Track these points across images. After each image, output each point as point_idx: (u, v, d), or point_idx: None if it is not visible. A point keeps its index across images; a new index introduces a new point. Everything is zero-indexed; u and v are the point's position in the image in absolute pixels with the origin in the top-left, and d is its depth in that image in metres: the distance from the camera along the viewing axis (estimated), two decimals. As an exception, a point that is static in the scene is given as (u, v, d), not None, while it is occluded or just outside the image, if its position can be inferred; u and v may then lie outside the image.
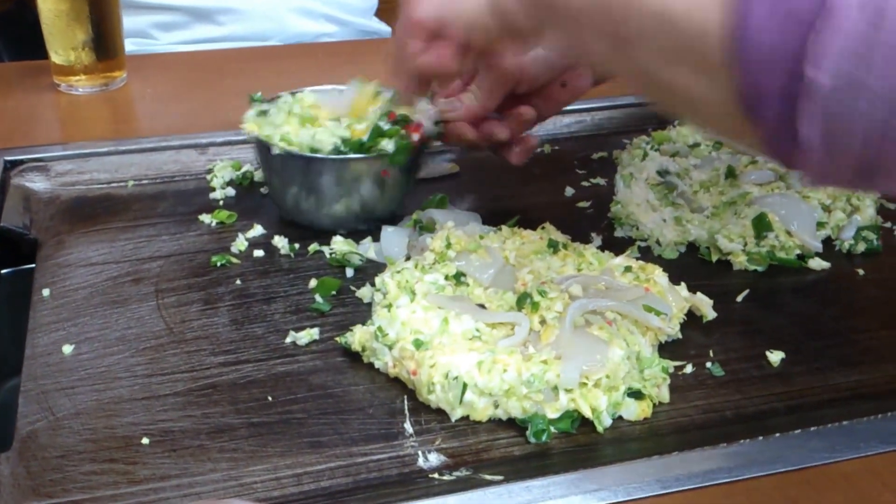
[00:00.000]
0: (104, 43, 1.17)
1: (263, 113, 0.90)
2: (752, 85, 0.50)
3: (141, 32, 1.44)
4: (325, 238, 0.88)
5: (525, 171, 0.99)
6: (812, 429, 0.65)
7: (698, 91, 0.55)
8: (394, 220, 0.90)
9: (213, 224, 0.92)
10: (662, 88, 0.58)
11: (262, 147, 0.87)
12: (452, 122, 0.87)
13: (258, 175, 1.00)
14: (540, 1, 0.63)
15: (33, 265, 0.88)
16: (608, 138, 1.11)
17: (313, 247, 0.87)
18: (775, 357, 0.74)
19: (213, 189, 0.98)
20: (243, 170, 1.00)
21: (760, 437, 0.64)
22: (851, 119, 0.47)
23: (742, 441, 0.64)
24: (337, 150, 0.85)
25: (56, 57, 1.17)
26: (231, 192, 0.98)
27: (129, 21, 1.36)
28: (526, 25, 0.66)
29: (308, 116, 0.89)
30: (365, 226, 0.89)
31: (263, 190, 0.98)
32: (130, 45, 1.37)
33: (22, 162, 1.01)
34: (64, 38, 1.16)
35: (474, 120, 0.88)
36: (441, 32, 0.75)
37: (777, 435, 0.64)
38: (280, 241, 0.88)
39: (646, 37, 0.56)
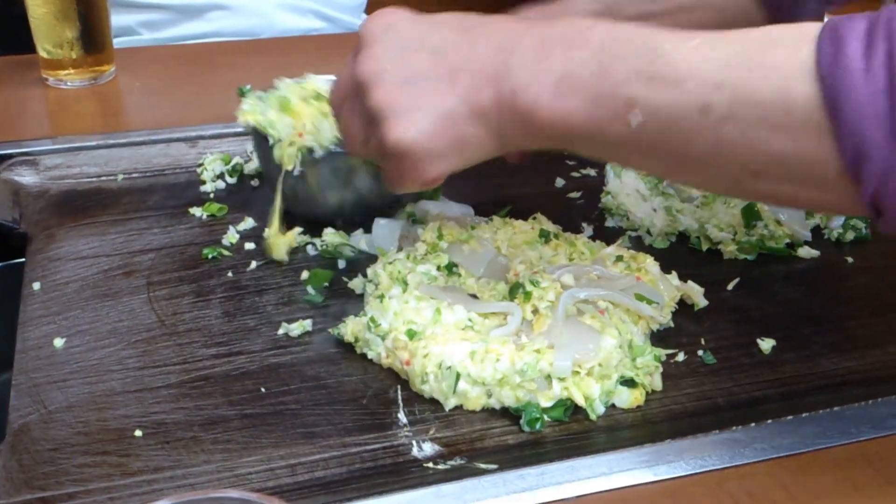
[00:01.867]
0: (92, 37, 1.17)
1: (261, 99, 0.90)
2: (880, 195, 0.52)
3: (129, 31, 1.44)
4: (316, 230, 0.88)
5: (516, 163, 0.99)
6: (804, 415, 0.65)
7: (805, 196, 0.56)
8: (391, 210, 0.89)
9: (204, 217, 0.92)
10: (749, 194, 0.62)
11: (259, 137, 0.87)
12: None
13: (248, 168, 1.00)
14: (564, 138, 0.61)
15: (23, 259, 0.88)
16: (598, 129, 1.11)
17: (303, 239, 0.87)
18: (766, 344, 0.74)
19: (204, 182, 0.98)
20: (233, 162, 1.00)
21: (752, 424, 0.64)
22: None
23: (734, 428, 0.64)
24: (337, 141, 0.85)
25: (44, 52, 1.17)
26: (221, 184, 0.98)
27: (117, 19, 1.36)
28: (551, 148, 0.65)
29: (309, 103, 0.89)
30: (360, 217, 0.89)
31: (254, 183, 0.98)
32: (118, 44, 1.36)
33: (11, 156, 1.01)
34: (52, 34, 1.15)
35: None
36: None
37: (769, 421, 0.64)
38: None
39: (719, 160, 0.56)
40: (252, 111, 0.88)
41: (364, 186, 0.87)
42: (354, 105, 0.68)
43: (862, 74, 0.50)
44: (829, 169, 0.53)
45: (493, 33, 0.63)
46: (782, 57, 0.53)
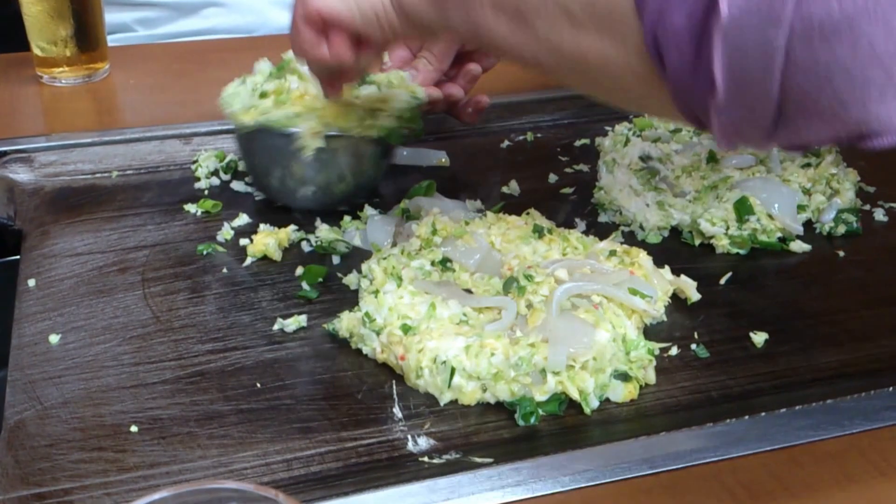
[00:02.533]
0: (86, 35, 1.17)
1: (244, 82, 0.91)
2: (656, 33, 0.50)
3: (124, 27, 1.43)
4: (310, 227, 0.88)
5: (510, 159, 0.99)
6: (797, 408, 0.65)
7: (605, 51, 0.55)
8: (375, 200, 0.90)
9: (199, 213, 0.92)
10: (568, 58, 0.58)
11: (238, 127, 0.88)
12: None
13: (242, 164, 1.00)
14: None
15: (16, 257, 0.88)
16: (590, 126, 1.11)
17: (298, 235, 0.87)
18: (759, 338, 0.75)
19: (198, 179, 0.98)
20: (227, 159, 1.00)
21: (746, 417, 0.65)
22: (758, 49, 0.47)
23: (728, 420, 0.64)
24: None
25: (38, 49, 1.17)
26: (216, 181, 0.98)
27: (113, 16, 1.36)
28: (429, 17, 0.66)
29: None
30: (343, 206, 0.89)
31: (248, 179, 0.98)
32: (113, 41, 1.36)
33: (5, 153, 1.01)
34: (46, 32, 1.15)
35: (431, 83, 0.91)
36: (336, 25, 0.73)
37: (763, 414, 0.65)
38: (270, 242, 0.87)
39: (547, 4, 0.56)
40: (243, 109, 0.88)
41: (347, 166, 0.88)
42: None
43: None
44: (626, 7, 0.52)
45: None
46: None
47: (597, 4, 0.54)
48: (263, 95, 0.87)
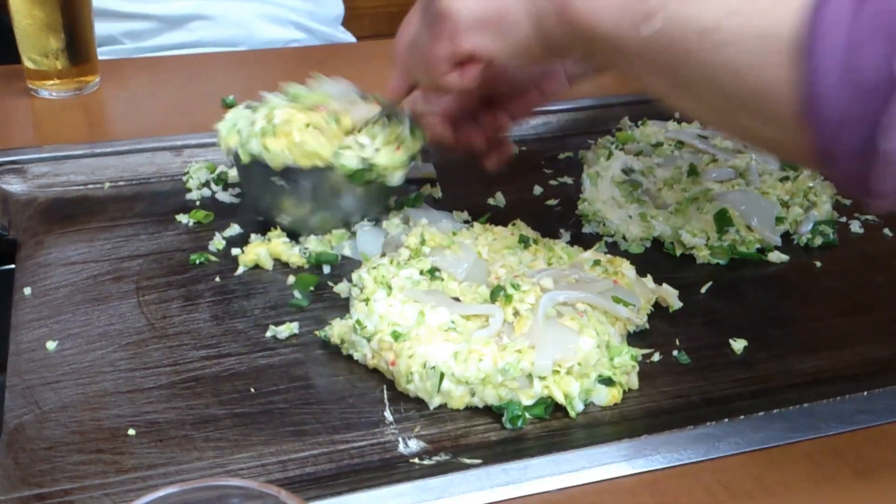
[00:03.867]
0: (78, 48, 1.18)
1: (252, 108, 0.91)
2: (827, 145, 0.54)
3: (111, 40, 1.45)
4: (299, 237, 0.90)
5: (495, 172, 1.01)
6: (774, 411, 0.68)
7: (768, 135, 0.59)
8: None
9: (191, 224, 0.94)
10: (726, 127, 0.63)
11: (236, 157, 0.89)
12: (429, 119, 0.89)
13: (232, 176, 1.02)
14: (585, 35, 0.65)
15: (11, 266, 0.89)
16: (574, 139, 1.13)
17: (294, 256, 0.88)
18: (738, 345, 0.77)
19: (190, 190, 1.00)
20: (218, 171, 1.02)
21: (725, 420, 0.67)
22: None
23: (708, 423, 0.67)
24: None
25: (30, 62, 1.18)
26: (207, 192, 1.00)
27: (100, 28, 1.37)
28: (573, 51, 0.69)
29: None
30: (334, 229, 0.91)
31: (239, 190, 1.00)
32: (101, 53, 1.37)
33: (-2, 165, 1.02)
34: (38, 44, 1.17)
35: (451, 119, 0.90)
36: (481, 61, 0.75)
37: (741, 417, 0.67)
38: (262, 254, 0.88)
39: (710, 85, 0.59)
40: (231, 134, 0.89)
41: (348, 203, 0.89)
42: (422, 18, 0.76)
43: (837, 26, 0.52)
44: (791, 110, 0.55)
45: None
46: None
47: (760, 101, 0.57)
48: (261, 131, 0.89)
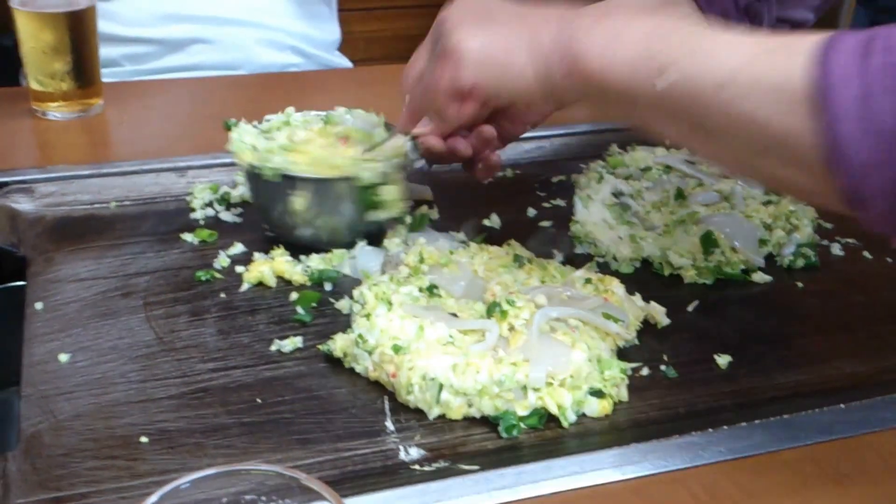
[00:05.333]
0: (83, 71, 1.22)
1: (269, 132, 0.97)
2: (857, 188, 0.57)
3: (112, 62, 1.48)
4: (304, 253, 0.93)
5: (491, 194, 1.05)
6: (756, 422, 0.71)
7: (792, 180, 0.62)
8: (380, 233, 0.95)
9: (196, 242, 0.97)
10: (749, 172, 0.65)
11: (249, 169, 0.93)
12: (423, 135, 0.92)
13: (235, 196, 1.05)
14: (600, 90, 0.69)
15: (22, 282, 0.92)
16: (566, 163, 1.17)
17: (297, 274, 0.91)
18: (723, 360, 0.81)
19: (194, 210, 1.03)
20: (221, 191, 1.05)
21: (710, 430, 0.71)
22: None
23: (693, 433, 0.70)
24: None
25: (36, 84, 1.21)
26: (211, 212, 1.03)
27: (102, 51, 1.40)
28: (578, 101, 0.72)
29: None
30: (345, 242, 0.94)
31: (241, 210, 1.03)
32: (102, 75, 1.41)
33: (6, 184, 1.05)
34: (44, 67, 1.20)
35: (442, 134, 0.93)
36: (480, 97, 0.79)
37: (725, 427, 0.71)
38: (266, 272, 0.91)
39: (731, 133, 0.62)
40: (242, 149, 0.94)
41: (349, 214, 0.93)
42: (431, 52, 0.80)
43: (848, 78, 0.56)
44: (815, 156, 0.58)
45: (563, 8, 0.74)
46: (796, 51, 0.59)
47: (781, 149, 0.60)
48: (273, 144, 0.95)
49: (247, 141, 0.95)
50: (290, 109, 1.02)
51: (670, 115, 0.66)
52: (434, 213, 1.03)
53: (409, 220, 0.97)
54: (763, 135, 0.61)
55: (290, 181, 0.91)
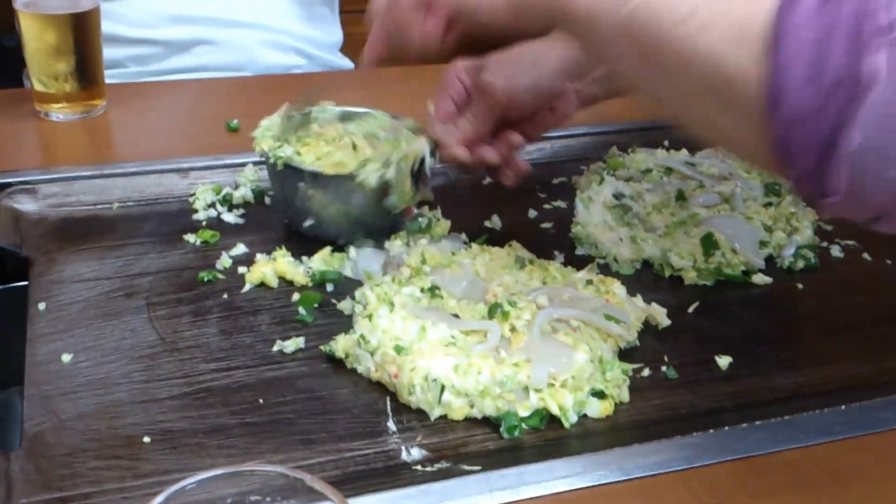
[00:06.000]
0: (86, 72, 1.22)
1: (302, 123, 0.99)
2: (787, 139, 0.55)
3: (117, 64, 1.48)
4: (307, 253, 0.94)
5: (492, 195, 1.06)
6: (757, 423, 0.72)
7: (730, 127, 0.60)
8: (388, 230, 0.96)
9: (198, 243, 0.97)
10: (691, 116, 0.63)
11: (268, 160, 0.95)
12: (448, 145, 0.94)
13: (237, 197, 1.05)
14: (565, 14, 0.67)
15: (25, 283, 0.92)
16: (566, 165, 1.17)
17: (298, 275, 0.91)
18: (724, 361, 0.81)
19: (196, 211, 1.03)
20: (223, 192, 1.06)
21: (711, 430, 0.71)
22: (875, 182, 0.54)
23: (694, 434, 0.70)
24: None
25: (39, 85, 1.22)
26: (213, 213, 1.03)
27: (107, 53, 1.41)
28: (536, 25, 0.71)
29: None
30: (358, 237, 0.95)
31: (243, 210, 1.03)
32: (106, 77, 1.41)
33: (9, 185, 1.06)
34: (48, 68, 1.20)
35: (466, 143, 0.94)
36: (435, 3, 0.78)
37: (726, 428, 0.71)
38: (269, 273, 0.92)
39: (682, 68, 0.60)
40: (265, 138, 0.96)
41: (355, 210, 0.94)
42: None
43: (810, 21, 0.54)
44: (758, 100, 0.56)
45: None
46: None
47: (726, 89, 0.58)
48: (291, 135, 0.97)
49: (270, 129, 0.97)
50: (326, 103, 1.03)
51: (628, 45, 0.64)
52: (437, 215, 1.03)
53: (423, 224, 0.98)
54: (713, 72, 0.58)
55: (297, 172, 0.92)
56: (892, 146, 0.52)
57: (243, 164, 1.09)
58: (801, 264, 0.97)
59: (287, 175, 0.94)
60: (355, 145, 0.96)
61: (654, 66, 0.63)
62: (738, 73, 0.57)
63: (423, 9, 0.80)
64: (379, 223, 0.95)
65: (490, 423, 0.73)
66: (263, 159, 0.96)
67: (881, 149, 0.52)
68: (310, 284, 0.91)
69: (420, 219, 0.98)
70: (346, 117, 1.01)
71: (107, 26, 1.27)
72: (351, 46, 1.77)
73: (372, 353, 0.76)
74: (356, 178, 0.91)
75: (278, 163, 0.93)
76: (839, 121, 0.52)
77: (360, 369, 0.78)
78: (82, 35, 1.20)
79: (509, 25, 0.74)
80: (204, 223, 1.02)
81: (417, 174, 0.94)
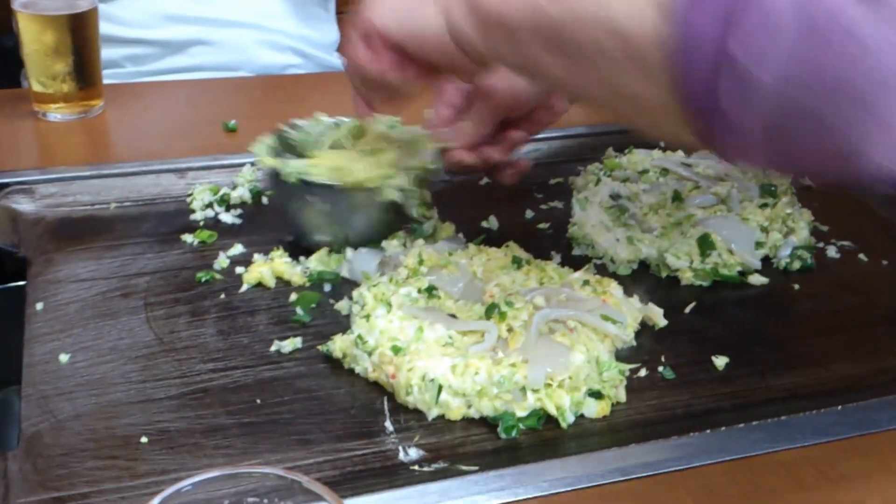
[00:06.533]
0: (84, 72, 1.22)
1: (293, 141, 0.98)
2: (683, 71, 0.55)
3: (113, 64, 1.49)
4: (303, 254, 0.94)
5: (489, 196, 1.06)
6: (753, 423, 0.72)
7: (645, 93, 0.59)
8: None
9: (195, 243, 0.97)
10: (615, 97, 0.63)
11: (275, 176, 0.93)
12: (451, 149, 0.94)
13: (234, 197, 1.05)
14: (490, 24, 0.68)
15: (23, 282, 0.92)
16: (563, 165, 1.17)
17: (296, 275, 0.92)
18: (720, 361, 0.81)
19: (194, 211, 1.03)
20: (221, 193, 1.06)
21: (708, 431, 0.71)
22: (757, 89, 0.53)
23: (691, 434, 0.71)
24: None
25: (37, 85, 1.22)
26: (210, 213, 1.03)
27: (103, 52, 1.41)
28: (481, 50, 0.70)
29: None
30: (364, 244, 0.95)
31: (240, 211, 1.03)
32: (103, 77, 1.41)
33: (7, 185, 1.06)
34: (46, 69, 1.20)
35: (470, 146, 0.95)
36: (393, 44, 0.77)
37: (722, 428, 0.71)
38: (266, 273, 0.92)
39: (593, 48, 0.60)
40: (264, 154, 0.95)
41: (364, 223, 0.94)
42: None
43: None
44: (663, 49, 0.56)
45: None
46: None
47: (634, 50, 0.58)
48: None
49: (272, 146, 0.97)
50: (319, 114, 1.02)
51: (551, 41, 0.63)
52: (434, 215, 1.03)
53: (428, 231, 0.98)
54: (621, 38, 0.58)
55: (305, 186, 0.91)
56: (769, 52, 0.52)
57: (241, 165, 1.10)
58: (797, 265, 0.97)
59: (296, 190, 0.92)
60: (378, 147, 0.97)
61: (578, 58, 0.62)
62: (641, 27, 0.57)
63: (368, 39, 0.79)
64: (385, 232, 0.95)
65: (487, 424, 0.73)
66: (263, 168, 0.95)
67: (759, 57, 0.52)
68: (307, 285, 0.91)
69: (425, 225, 0.97)
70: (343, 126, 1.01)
71: (103, 27, 1.27)
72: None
73: (369, 354, 0.77)
74: (378, 192, 0.91)
75: (290, 179, 0.92)
76: (727, 36, 0.52)
77: (357, 369, 0.78)
78: (80, 36, 1.20)
79: (459, 61, 0.74)
80: (201, 223, 1.02)
81: (425, 180, 0.94)
